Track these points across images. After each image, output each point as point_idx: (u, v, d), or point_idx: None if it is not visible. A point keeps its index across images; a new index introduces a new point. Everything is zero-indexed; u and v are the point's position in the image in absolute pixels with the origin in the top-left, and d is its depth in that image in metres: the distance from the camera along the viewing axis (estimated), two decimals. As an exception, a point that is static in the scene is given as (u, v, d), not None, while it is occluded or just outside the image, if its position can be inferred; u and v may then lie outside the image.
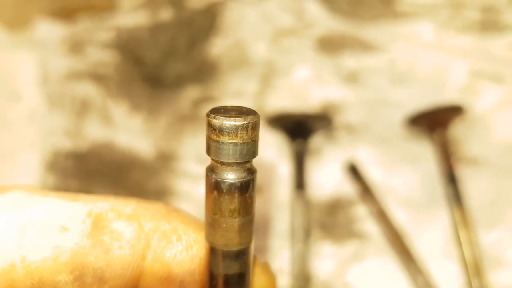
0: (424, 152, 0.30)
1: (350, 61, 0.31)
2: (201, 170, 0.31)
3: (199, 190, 0.31)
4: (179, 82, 0.33)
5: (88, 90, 0.33)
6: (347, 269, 0.28)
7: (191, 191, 0.31)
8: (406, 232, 0.28)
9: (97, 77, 0.34)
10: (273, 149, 0.31)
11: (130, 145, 0.32)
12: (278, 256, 0.29)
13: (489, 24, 0.31)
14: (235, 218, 0.13)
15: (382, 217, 0.28)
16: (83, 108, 0.33)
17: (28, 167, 0.33)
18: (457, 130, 0.30)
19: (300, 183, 0.29)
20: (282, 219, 0.29)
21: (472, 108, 0.30)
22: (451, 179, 0.28)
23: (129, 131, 0.32)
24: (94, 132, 0.33)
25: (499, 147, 0.30)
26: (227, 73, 0.32)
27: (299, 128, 0.29)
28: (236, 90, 0.32)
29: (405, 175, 0.30)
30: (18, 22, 0.35)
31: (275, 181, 0.30)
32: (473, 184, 0.29)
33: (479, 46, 0.31)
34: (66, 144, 0.33)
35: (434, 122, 0.29)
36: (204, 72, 0.32)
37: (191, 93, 0.32)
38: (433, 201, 0.29)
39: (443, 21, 0.31)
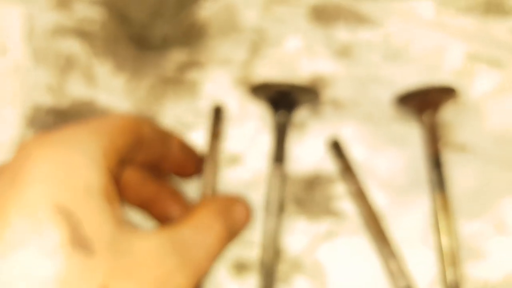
0: (411, 133, 0.29)
1: (343, 34, 0.30)
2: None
3: (177, 156, 0.30)
4: (165, 44, 0.32)
5: (73, 47, 0.33)
6: (319, 246, 0.27)
7: (169, 157, 0.30)
8: (383, 215, 0.27)
9: (83, 34, 0.33)
10: (254, 119, 0.30)
11: (110, 105, 0.31)
12: (249, 227, 0.28)
13: (493, 7, 0.30)
14: None
15: (360, 197, 0.27)
16: (67, 65, 0.33)
17: (8, 121, 0.33)
18: (448, 113, 0.29)
19: (279, 155, 0.28)
20: (257, 190, 0.29)
21: (466, 92, 0.29)
22: (436, 164, 0.27)
23: (111, 91, 0.32)
24: (77, 90, 0.32)
25: (490, 135, 0.28)
26: (215, 38, 0.31)
27: (283, 99, 0.28)
28: (223, 57, 0.31)
29: (389, 156, 0.28)
30: (8, -28, 0.34)
31: (254, 152, 0.29)
32: (458, 171, 0.28)
33: (479, 28, 0.30)
34: (48, 100, 0.32)
35: (424, 103, 0.28)
36: (192, 35, 0.31)
37: (176, 56, 0.31)
38: (415, 185, 0.28)
39: (444, -1, 0.30)
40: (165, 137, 0.26)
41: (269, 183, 0.28)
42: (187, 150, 0.27)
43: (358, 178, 0.28)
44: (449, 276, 0.26)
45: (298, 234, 0.28)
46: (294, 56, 0.30)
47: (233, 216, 0.24)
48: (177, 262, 0.19)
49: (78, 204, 0.17)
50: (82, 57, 0.32)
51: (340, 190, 0.28)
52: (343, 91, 0.30)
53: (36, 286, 0.16)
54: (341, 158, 0.28)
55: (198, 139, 0.30)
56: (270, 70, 0.30)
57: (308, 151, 0.29)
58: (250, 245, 0.28)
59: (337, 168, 0.28)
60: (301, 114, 0.29)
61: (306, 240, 0.27)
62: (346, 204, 0.28)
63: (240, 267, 0.28)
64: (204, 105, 0.30)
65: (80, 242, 0.17)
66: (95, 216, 0.18)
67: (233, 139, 0.30)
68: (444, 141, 0.28)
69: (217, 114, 0.29)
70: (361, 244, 0.27)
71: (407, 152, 0.28)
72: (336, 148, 0.28)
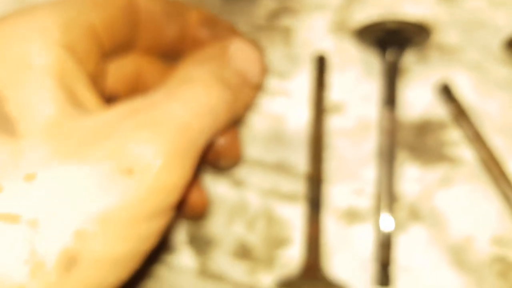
0: (524, 78, 0.27)
1: (449, -24, 0.29)
2: (277, 85, 0.29)
3: (273, 105, 0.29)
4: (257, -10, 0.30)
5: (156, -5, 0.31)
6: (435, 193, 0.26)
7: (264, 105, 0.29)
8: (501, 159, 0.26)
9: (166, -19, 0.31)
10: (355, 65, 0.28)
11: (199, 54, 0.30)
12: (359, 177, 0.27)
13: None
14: None
15: (477, 141, 0.26)
16: (148, 14, 0.31)
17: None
18: (560, 58, 0.28)
19: (390, 98, 0.26)
20: (363, 139, 0.27)
21: None
22: (554, 108, 0.26)
23: (198, 40, 0.30)
24: (160, 40, 0.31)
25: None
26: (310, -17, 0.30)
27: (393, 37, 0.27)
28: (317, 2, 0.30)
29: (502, 102, 0.27)
30: None
31: (357, 99, 0.28)
32: None
33: None
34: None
35: (539, 46, 0.27)
36: (286, -21, 0.30)
37: (267, 3, 0.30)
38: (531, 131, 0.27)
39: None
40: (177, 11, 0.21)
41: (380, 128, 0.26)
42: (212, 25, 0.22)
43: (473, 122, 0.26)
44: None
45: (413, 182, 0.26)
46: None
47: (227, 59, 0.19)
48: (136, 123, 0.16)
49: (6, 81, 0.15)
50: (166, 4, 0.31)
51: (453, 136, 0.27)
52: (449, 36, 0.28)
53: None
54: (453, 103, 0.27)
55: (297, 87, 0.29)
56: (368, 14, 0.29)
57: (415, 97, 0.28)
58: (360, 194, 0.26)
59: (449, 113, 0.27)
60: (405, 59, 0.28)
61: (421, 188, 0.26)
62: (461, 150, 0.27)
63: (352, 216, 0.26)
64: (300, 53, 0.29)
65: None
66: (29, 96, 0.15)
67: (334, 87, 0.28)
68: (558, 85, 0.27)
69: (321, 64, 0.28)
70: (480, 190, 0.26)
71: (521, 97, 0.27)
72: (447, 92, 0.27)
